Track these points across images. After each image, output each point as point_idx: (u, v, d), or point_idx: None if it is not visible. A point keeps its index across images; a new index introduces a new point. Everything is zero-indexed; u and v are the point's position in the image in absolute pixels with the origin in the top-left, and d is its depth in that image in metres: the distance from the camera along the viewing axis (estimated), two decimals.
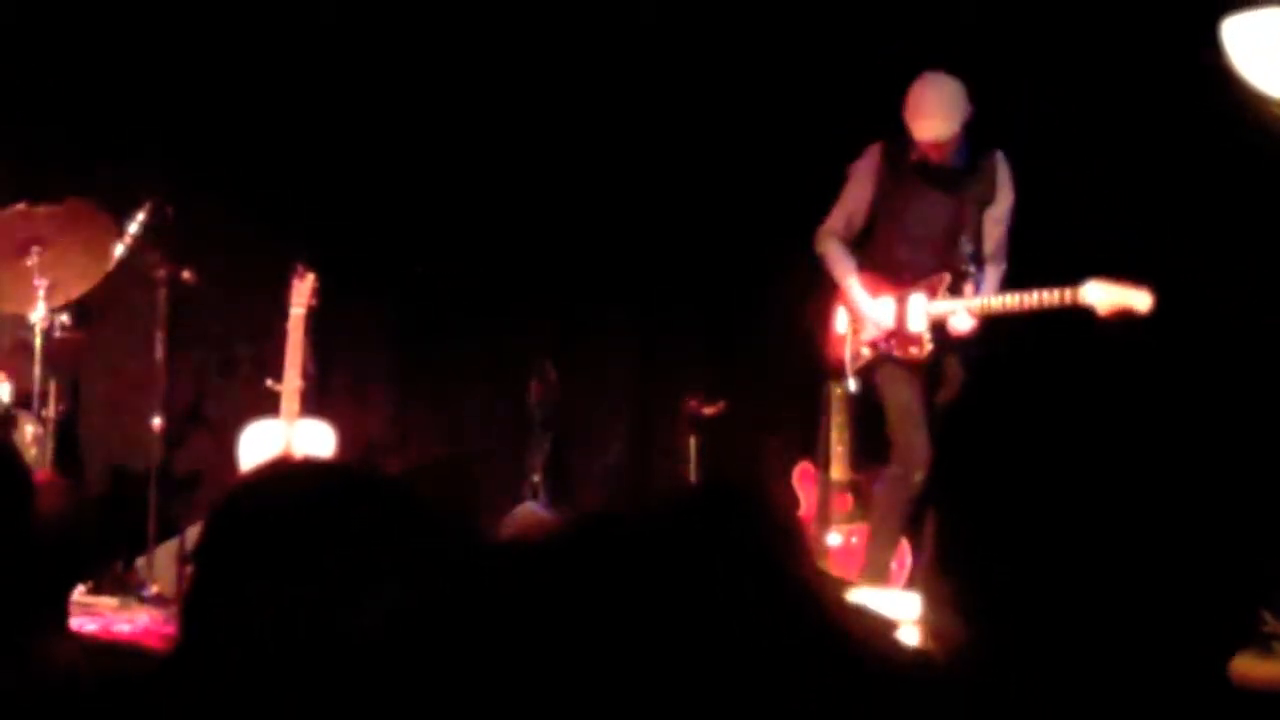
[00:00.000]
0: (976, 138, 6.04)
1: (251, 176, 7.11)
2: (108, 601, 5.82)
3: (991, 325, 5.94)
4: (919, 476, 5.79)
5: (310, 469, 1.99)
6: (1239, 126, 5.37)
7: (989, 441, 1.31)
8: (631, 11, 7.33)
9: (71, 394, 6.63)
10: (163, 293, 6.36)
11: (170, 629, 5.04)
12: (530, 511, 6.83)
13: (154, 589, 6.08)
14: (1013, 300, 5.88)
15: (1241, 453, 1.27)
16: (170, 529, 6.34)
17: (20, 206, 5.95)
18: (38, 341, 5.98)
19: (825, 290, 6.33)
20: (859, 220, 6.25)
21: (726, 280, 7.41)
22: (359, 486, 1.75)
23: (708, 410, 7.11)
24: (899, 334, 6.12)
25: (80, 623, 4.92)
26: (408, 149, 7.34)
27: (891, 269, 6.17)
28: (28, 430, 6.06)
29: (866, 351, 6.20)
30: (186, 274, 6.36)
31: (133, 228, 6.14)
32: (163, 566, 6.20)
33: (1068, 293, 5.71)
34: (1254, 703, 1.32)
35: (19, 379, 6.12)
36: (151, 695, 1.71)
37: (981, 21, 6.66)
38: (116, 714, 1.75)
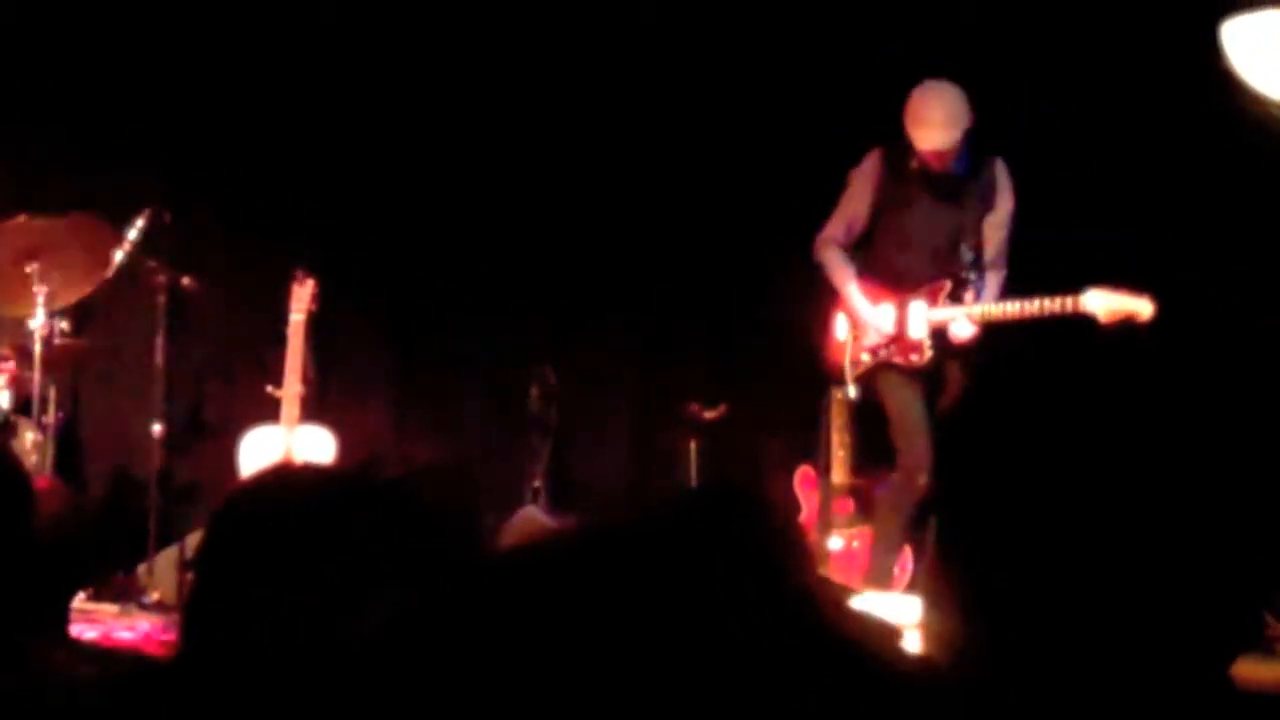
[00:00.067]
0: (976, 144, 6.04)
1: (251, 182, 7.12)
2: (108, 608, 5.82)
3: (992, 332, 5.94)
4: (922, 481, 5.79)
5: (310, 475, 1.98)
6: (1239, 128, 5.37)
7: (990, 446, 1.31)
8: (632, 16, 7.33)
9: (71, 400, 6.64)
10: (162, 298, 6.37)
11: (171, 636, 5.04)
12: (531, 516, 6.84)
13: (154, 595, 6.08)
14: (1013, 307, 5.87)
15: (1244, 456, 1.27)
16: (171, 535, 6.34)
17: (21, 219, 5.96)
18: (37, 348, 5.98)
19: (825, 297, 6.32)
20: (859, 227, 6.24)
21: (727, 284, 7.41)
22: (359, 492, 1.75)
23: (708, 414, 7.11)
24: (899, 341, 6.11)
25: (81, 629, 4.92)
26: (408, 154, 7.34)
27: (891, 276, 6.17)
28: (28, 437, 6.06)
29: (866, 358, 6.20)
30: (186, 280, 6.37)
31: (132, 234, 6.15)
32: (163, 573, 6.19)
33: (1069, 300, 5.70)
34: (1258, 706, 1.32)
35: (19, 385, 6.12)
36: (153, 701, 1.71)
37: (981, 25, 6.67)
38: None
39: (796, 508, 6.75)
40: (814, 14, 7.15)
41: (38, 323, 5.97)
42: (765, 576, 1.14)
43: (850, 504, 6.64)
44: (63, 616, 3.17)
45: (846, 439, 6.58)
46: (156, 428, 6.39)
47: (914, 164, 6.04)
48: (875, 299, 6.17)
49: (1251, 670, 1.32)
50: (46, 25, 6.88)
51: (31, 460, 5.92)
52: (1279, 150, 5.46)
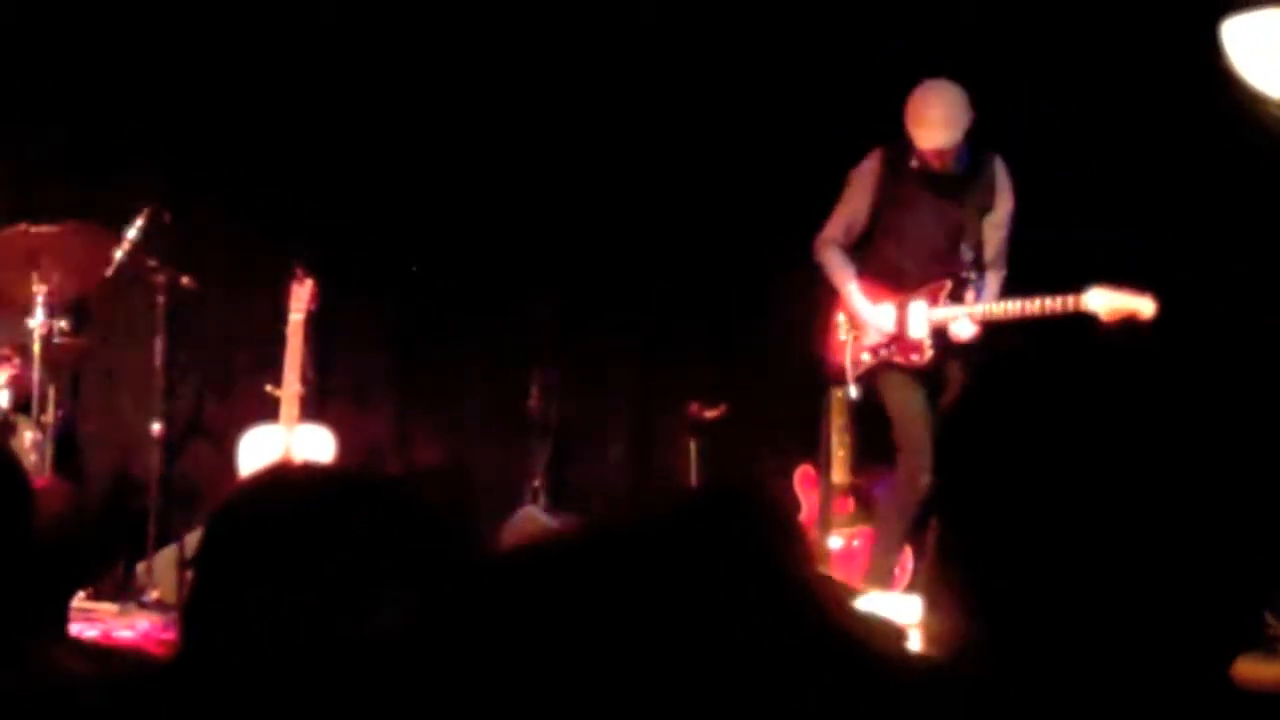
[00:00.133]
0: (976, 143, 6.04)
1: (250, 181, 7.11)
2: (108, 607, 5.82)
3: (993, 331, 5.94)
4: (923, 480, 5.78)
5: (310, 474, 1.98)
6: (1239, 127, 5.37)
7: (990, 445, 1.31)
8: (632, 15, 7.33)
9: (71, 399, 6.63)
10: (162, 298, 6.36)
11: (170, 635, 5.04)
12: (531, 516, 6.84)
13: (154, 595, 6.08)
14: (1015, 306, 5.87)
15: (1246, 455, 1.27)
16: (170, 534, 6.34)
17: (21, 227, 5.97)
18: (37, 347, 5.98)
19: (825, 297, 6.32)
20: (858, 227, 6.24)
21: (727, 284, 7.40)
22: (359, 492, 1.75)
23: (708, 414, 7.10)
24: (900, 341, 6.11)
25: (80, 628, 4.91)
26: (407, 153, 7.33)
27: (892, 275, 6.17)
28: (27, 436, 6.06)
29: (867, 357, 6.20)
30: (185, 279, 6.36)
31: (131, 233, 6.14)
32: (163, 572, 6.19)
33: (1070, 299, 5.70)
34: (1259, 706, 1.32)
35: (19, 384, 6.12)
36: (152, 701, 1.71)
37: (980, 24, 6.66)
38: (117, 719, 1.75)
39: (797, 507, 6.74)
40: (814, 14, 7.14)
41: (37, 322, 5.97)
42: (767, 576, 1.13)
43: (850, 503, 6.64)
44: (62, 616, 3.16)
45: (847, 438, 6.58)
46: (156, 427, 6.38)
47: (914, 163, 6.05)
48: (876, 299, 6.17)
49: (1252, 670, 1.31)
50: (47, 26, 6.88)
51: (31, 459, 5.92)
52: (1278, 149, 5.45)
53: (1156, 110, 6.44)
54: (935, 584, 1.46)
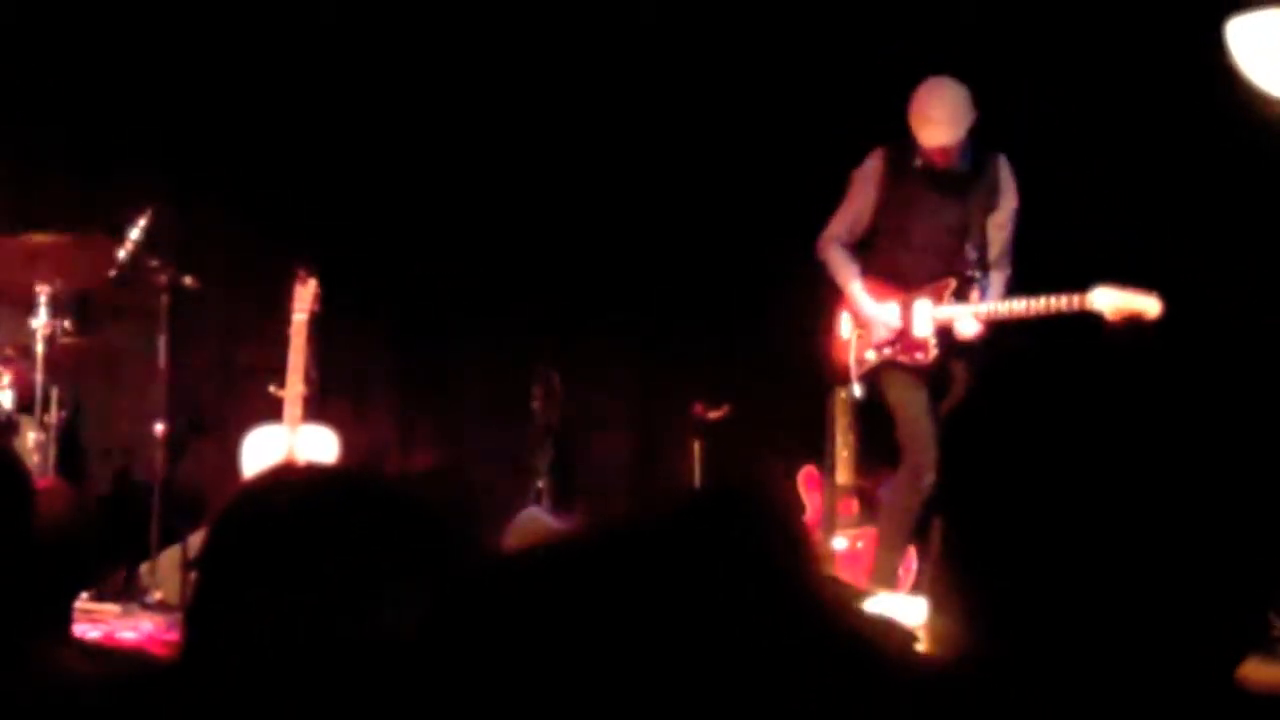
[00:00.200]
0: (979, 142, 6.03)
1: (253, 182, 7.12)
2: (111, 608, 5.82)
3: (998, 330, 5.93)
4: (927, 481, 5.78)
5: (313, 475, 1.98)
6: (1243, 127, 5.37)
7: (995, 445, 1.31)
8: (633, 15, 7.33)
9: (74, 400, 6.63)
10: (165, 298, 6.36)
11: (173, 636, 5.04)
12: (534, 517, 6.83)
13: (157, 596, 6.08)
14: (1020, 305, 5.87)
15: (1251, 457, 1.27)
16: (173, 535, 6.34)
17: (24, 237, 5.98)
18: (40, 347, 5.98)
19: (829, 296, 6.32)
20: (862, 226, 6.24)
21: (730, 284, 7.40)
22: (362, 492, 1.75)
23: (712, 415, 7.10)
24: (904, 339, 6.11)
25: (83, 629, 4.92)
26: (410, 154, 7.34)
27: (895, 274, 6.16)
28: (30, 436, 6.06)
29: (871, 357, 6.20)
30: (188, 279, 6.36)
31: (134, 234, 6.15)
32: (166, 573, 6.19)
33: (1075, 298, 5.70)
34: (1264, 707, 1.31)
35: (21, 385, 6.12)
36: (155, 702, 1.71)
37: (983, 23, 6.66)
38: None
39: (801, 508, 6.73)
40: (815, 14, 7.14)
41: (40, 322, 5.98)
42: (771, 578, 1.13)
43: (854, 504, 6.63)
44: (65, 616, 3.16)
45: (851, 439, 6.57)
46: (159, 427, 6.38)
47: (917, 162, 6.04)
48: (880, 298, 6.17)
49: (1257, 671, 1.31)
50: (47, 25, 6.88)
51: (34, 460, 5.92)
52: None
53: (1161, 109, 6.44)
54: (940, 585, 1.46)
